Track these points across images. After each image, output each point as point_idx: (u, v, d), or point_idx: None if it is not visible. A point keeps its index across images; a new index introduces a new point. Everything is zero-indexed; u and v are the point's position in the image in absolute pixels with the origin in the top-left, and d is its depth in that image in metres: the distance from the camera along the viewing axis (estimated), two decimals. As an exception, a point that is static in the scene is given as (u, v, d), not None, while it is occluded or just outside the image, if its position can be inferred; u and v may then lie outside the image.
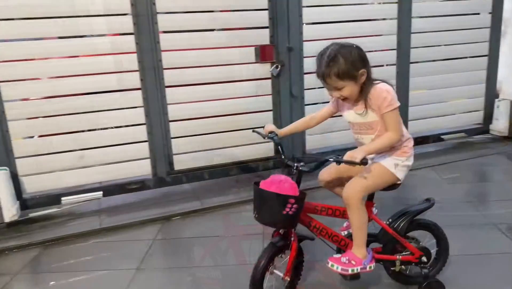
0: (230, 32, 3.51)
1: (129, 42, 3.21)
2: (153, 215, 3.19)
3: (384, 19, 3.99)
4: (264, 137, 2.05)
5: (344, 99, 1.88)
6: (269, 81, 3.66)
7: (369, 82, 1.84)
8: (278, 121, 3.73)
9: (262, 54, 3.56)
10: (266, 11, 3.51)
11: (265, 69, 3.61)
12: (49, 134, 3.26)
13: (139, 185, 3.47)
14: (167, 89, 3.38)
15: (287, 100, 3.73)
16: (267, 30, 3.55)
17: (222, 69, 3.52)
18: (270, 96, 3.70)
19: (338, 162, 1.75)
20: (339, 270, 1.91)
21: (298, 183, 1.85)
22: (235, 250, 2.68)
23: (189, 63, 3.43)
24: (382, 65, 4.09)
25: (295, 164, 1.84)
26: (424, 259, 2.08)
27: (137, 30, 3.20)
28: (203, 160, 3.61)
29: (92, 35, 3.23)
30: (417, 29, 4.03)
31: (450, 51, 4.26)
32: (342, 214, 2.01)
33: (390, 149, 1.94)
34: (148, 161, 3.45)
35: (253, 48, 3.54)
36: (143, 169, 3.46)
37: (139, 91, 3.31)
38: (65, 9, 3.04)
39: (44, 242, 2.92)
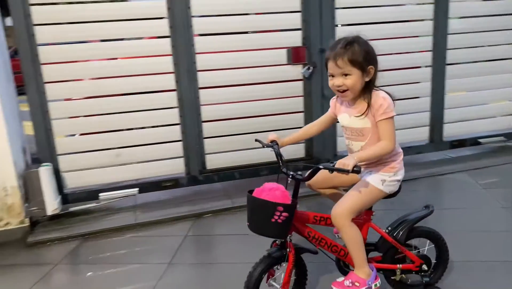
0: (262, 34, 3.57)
1: (165, 45, 3.33)
2: (186, 212, 3.28)
3: (420, 20, 3.92)
4: (263, 146, 2.00)
5: (343, 92, 1.81)
6: (301, 82, 3.69)
7: (373, 84, 1.83)
8: (308, 122, 3.74)
9: (294, 55, 3.59)
10: (299, 13, 3.55)
11: (297, 71, 3.64)
12: (89, 133, 3.42)
13: (173, 182, 3.58)
14: (200, 90, 3.48)
15: (318, 102, 3.74)
16: (300, 32, 3.58)
17: (254, 71, 3.58)
18: (302, 98, 3.73)
19: (331, 170, 1.69)
20: None
21: (296, 191, 1.83)
22: (264, 249, 2.72)
23: (222, 65, 3.51)
24: (418, 67, 4.03)
25: (290, 173, 1.80)
26: (424, 267, 2.06)
27: (173, 33, 3.31)
28: (234, 160, 3.68)
29: (131, 38, 3.37)
30: (454, 30, 3.94)
31: (489, 52, 4.14)
32: None
33: (377, 164, 1.89)
34: (182, 159, 3.56)
35: (285, 50, 3.58)
36: (177, 167, 3.57)
37: (174, 93, 3.42)
38: (108, 12, 3.19)
39: (83, 235, 3.08)
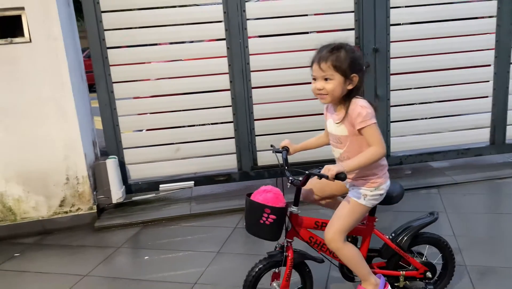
0: (314, 35, 3.63)
1: (221, 47, 3.51)
2: (236, 205, 3.44)
3: (481, 17, 3.77)
4: (273, 152, 2.04)
5: (322, 95, 1.81)
6: (354, 81, 3.71)
7: (355, 92, 1.81)
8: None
9: (347, 55, 3.62)
10: (352, 13, 3.57)
11: (349, 70, 3.66)
12: (151, 129, 3.71)
13: (226, 177, 3.77)
14: (253, 90, 3.62)
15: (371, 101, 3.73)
16: (353, 32, 3.61)
17: (306, 71, 3.64)
18: (355, 96, 3.74)
19: (319, 176, 1.70)
20: None
21: (297, 197, 1.88)
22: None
23: (274, 66, 3.63)
24: (480, 66, 3.87)
25: (290, 177, 1.81)
26: (428, 274, 2.02)
27: (229, 35, 3.49)
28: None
29: (192, 41, 3.60)
30: (520, 26, 3.75)
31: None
32: None
33: (358, 179, 1.86)
34: (235, 156, 3.73)
35: (339, 50, 3.62)
36: (230, 163, 3.75)
37: (228, 92, 3.60)
38: (174, 17, 3.43)
39: (143, 222, 3.35)
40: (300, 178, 1.81)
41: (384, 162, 1.89)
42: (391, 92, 3.75)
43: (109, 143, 3.59)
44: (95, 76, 3.45)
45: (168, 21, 3.44)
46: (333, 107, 1.89)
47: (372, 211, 1.95)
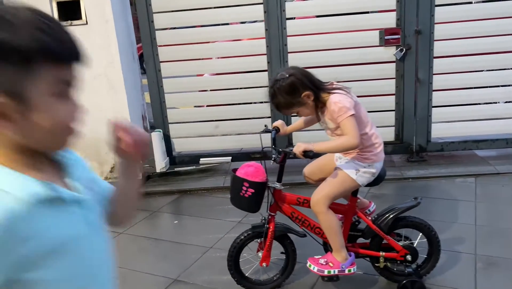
0: (354, 16, 3.60)
1: (260, 28, 3.64)
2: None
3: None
4: (263, 131, 2.18)
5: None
6: (393, 64, 3.64)
7: (319, 99, 1.88)
8: (401, 106, 3.70)
9: (387, 37, 3.55)
10: (394, -6, 3.49)
11: (389, 52, 3.60)
12: (195, 106, 3.98)
13: (261, 155, 3.91)
14: (290, 70, 3.72)
15: (411, 85, 3.65)
16: (394, 13, 3.52)
17: (345, 52, 3.66)
18: (393, 80, 3.68)
19: (286, 153, 1.89)
20: (315, 270, 1.97)
21: (280, 172, 2.03)
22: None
23: (311, 47, 3.68)
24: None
25: (273, 155, 1.96)
26: (409, 257, 2.02)
27: (267, 17, 3.60)
28: (321, 139, 3.84)
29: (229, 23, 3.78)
30: None
31: None
32: None
33: (352, 154, 1.94)
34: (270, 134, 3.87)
35: (377, 31, 3.57)
36: (267, 141, 3.89)
37: (266, 73, 3.73)
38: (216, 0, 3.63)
39: (181, 191, 3.65)
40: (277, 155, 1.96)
41: (379, 140, 1.96)
42: (433, 76, 3.62)
43: (156, 118, 3.93)
44: (144, 56, 3.77)
45: (210, 4, 3.63)
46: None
47: (355, 192, 2.02)
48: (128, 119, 3.61)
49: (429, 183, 3.40)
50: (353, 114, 1.83)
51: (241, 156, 3.95)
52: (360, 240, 2.13)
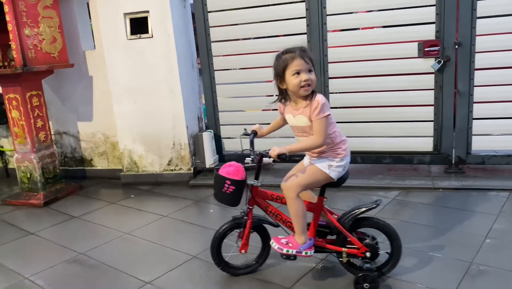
0: (393, 28, 3.72)
1: (302, 40, 3.92)
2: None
3: None
4: (243, 135, 2.34)
5: (307, 87, 2.04)
6: (432, 76, 3.68)
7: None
8: (439, 117, 3.72)
9: (426, 49, 3.62)
10: (433, 7, 3.54)
11: (428, 64, 3.65)
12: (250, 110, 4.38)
13: (301, 158, 4.19)
14: (330, 80, 3.94)
15: (450, 96, 3.66)
16: (433, 25, 3.58)
17: (383, 63, 3.79)
18: (432, 91, 3.72)
19: (262, 155, 2.09)
20: (276, 247, 2.19)
21: (257, 173, 2.26)
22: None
23: (350, 58, 3.87)
24: None
25: (251, 156, 2.16)
26: (368, 254, 2.20)
27: (309, 30, 3.88)
28: (357, 145, 3.99)
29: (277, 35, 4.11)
30: None
31: None
32: None
33: (324, 152, 2.11)
34: (311, 139, 4.13)
35: (416, 43, 3.65)
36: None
37: (307, 81, 4.00)
38: (263, 15, 3.98)
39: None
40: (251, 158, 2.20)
41: (344, 137, 2.21)
42: (475, 88, 3.60)
43: (209, 119, 4.41)
44: (201, 64, 4.28)
45: (258, 19, 4.01)
46: (292, 104, 2.17)
47: (322, 191, 2.23)
48: (183, 121, 4.14)
49: (459, 194, 3.39)
50: (329, 114, 2.07)
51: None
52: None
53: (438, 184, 3.55)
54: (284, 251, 2.19)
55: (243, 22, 4.07)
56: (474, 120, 3.65)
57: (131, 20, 4.05)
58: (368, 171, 4.01)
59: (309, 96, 2.10)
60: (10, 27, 3.63)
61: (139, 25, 4.04)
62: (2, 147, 5.10)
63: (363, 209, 2.21)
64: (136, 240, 3.10)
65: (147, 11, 3.97)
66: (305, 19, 3.88)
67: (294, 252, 2.18)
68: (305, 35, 3.91)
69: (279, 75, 2.12)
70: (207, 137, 4.24)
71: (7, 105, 4.03)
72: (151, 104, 4.20)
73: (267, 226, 2.41)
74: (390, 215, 3.13)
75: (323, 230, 2.31)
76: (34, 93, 4.04)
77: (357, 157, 4.03)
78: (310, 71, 2.08)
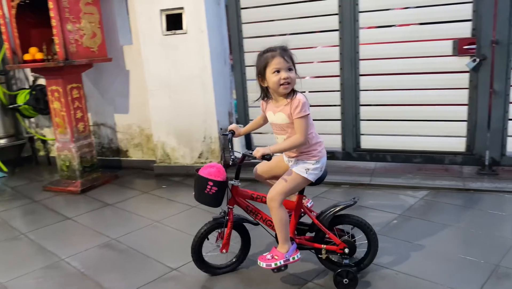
0: (427, 26, 3.66)
1: (334, 37, 3.93)
2: (327, 179, 3.87)
3: None
4: (221, 134, 2.38)
5: (286, 85, 2.07)
6: (466, 75, 3.60)
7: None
8: (473, 117, 3.63)
9: (461, 47, 3.54)
10: (470, 4, 3.46)
11: (462, 62, 3.57)
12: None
13: (330, 155, 4.20)
14: (361, 77, 3.92)
15: (485, 96, 3.57)
16: (469, 23, 3.49)
17: (416, 61, 3.73)
18: (466, 90, 3.63)
19: (245, 155, 2.11)
20: (264, 266, 2.18)
21: (237, 172, 2.29)
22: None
23: (382, 55, 3.83)
24: None
25: (232, 156, 2.20)
26: (346, 250, 2.24)
27: (341, 27, 3.87)
28: (388, 144, 3.97)
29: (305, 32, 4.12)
30: None
31: None
32: None
33: (300, 154, 2.13)
34: (339, 136, 4.12)
35: (451, 41, 3.57)
36: (335, 142, 4.16)
37: (338, 78, 4.00)
38: (294, 12, 4.00)
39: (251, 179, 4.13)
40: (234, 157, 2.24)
41: (320, 139, 2.22)
42: (511, 88, 3.49)
43: (240, 114, 4.49)
44: (234, 60, 4.36)
45: (290, 15, 4.04)
46: (274, 101, 2.19)
47: (302, 190, 2.25)
48: (214, 115, 4.24)
49: (490, 196, 3.31)
50: (309, 114, 2.10)
51: (311, 154, 4.28)
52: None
53: (469, 185, 3.48)
54: (273, 266, 2.19)
55: (275, 19, 4.11)
56: (510, 121, 3.55)
57: (167, 16, 4.18)
58: (397, 170, 3.97)
59: (290, 95, 2.13)
60: (53, 22, 3.84)
61: (174, 21, 4.16)
62: (44, 136, 5.39)
63: (341, 206, 2.25)
64: (165, 228, 3.22)
65: (182, 8, 4.08)
66: (337, 16, 3.87)
67: (282, 263, 2.19)
68: (337, 32, 3.90)
69: (261, 73, 2.15)
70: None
71: (50, 96, 4.26)
72: (184, 98, 4.32)
73: (246, 224, 2.45)
74: (417, 214, 3.11)
75: (302, 228, 2.34)
76: (75, 86, 4.25)
77: (387, 155, 3.99)
78: (290, 69, 2.11)
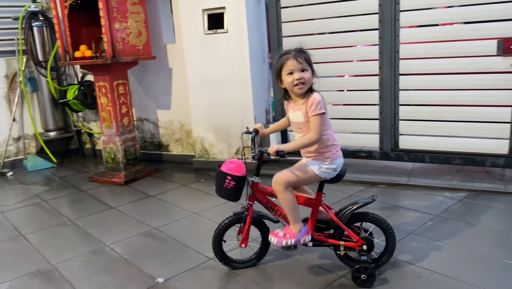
0: (471, 25, 3.58)
1: (374, 36, 3.91)
2: (364, 178, 3.89)
3: None
4: (244, 133, 2.46)
5: (301, 85, 2.15)
6: (510, 75, 3.50)
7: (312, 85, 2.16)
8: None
9: (506, 47, 3.45)
10: (516, 2, 3.37)
11: (507, 63, 3.48)
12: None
13: (367, 154, 4.20)
14: (401, 76, 3.89)
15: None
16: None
17: (458, 61, 3.66)
18: (510, 91, 3.53)
19: (262, 152, 2.18)
20: (275, 242, 2.24)
21: (257, 169, 2.39)
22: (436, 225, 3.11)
23: (423, 54, 3.78)
24: None
25: (252, 154, 2.25)
26: (364, 247, 2.28)
27: (381, 26, 3.85)
28: (427, 144, 3.92)
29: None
30: None
31: None
32: None
33: (316, 155, 2.17)
34: (377, 136, 4.10)
35: (495, 41, 3.49)
36: (372, 142, 4.15)
37: (376, 77, 3.98)
38: (334, 11, 4.02)
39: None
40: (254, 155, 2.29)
41: (337, 142, 2.26)
42: (560, 88, 3.37)
43: (277, 112, 4.56)
44: (272, 58, 4.42)
45: (330, 14, 4.06)
46: (294, 101, 2.28)
47: (320, 187, 2.29)
48: (252, 112, 4.33)
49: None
50: (325, 112, 2.16)
51: (347, 154, 4.27)
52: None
53: (511, 188, 3.39)
54: (284, 243, 2.26)
55: (315, 18, 4.14)
56: (557, 123, 3.43)
57: (209, 15, 4.31)
58: (436, 171, 3.92)
59: (306, 94, 2.20)
60: (102, 22, 4.05)
61: (215, 21, 4.28)
62: (91, 129, 5.67)
63: (360, 204, 2.28)
64: (203, 220, 3.34)
65: (224, 7, 4.20)
66: (377, 15, 3.86)
67: (292, 242, 2.25)
68: (377, 31, 3.89)
69: (278, 75, 2.26)
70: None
71: (97, 92, 4.50)
72: (223, 95, 4.44)
73: (266, 221, 2.49)
74: (454, 216, 3.07)
75: (321, 225, 2.38)
76: (120, 82, 4.46)
77: (425, 156, 3.94)
78: (303, 70, 2.18)
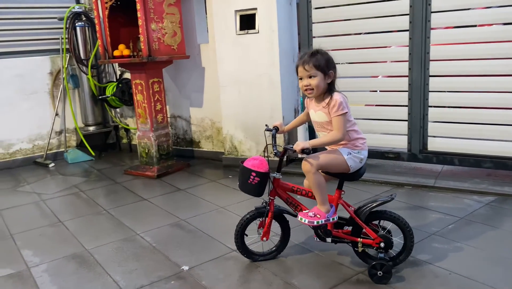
0: (500, 26, 3.52)
1: (404, 37, 3.91)
2: (390, 179, 3.89)
3: None
4: (265, 130, 2.53)
5: (309, 90, 2.25)
6: (548, 78, 3.42)
7: (333, 86, 2.18)
8: None
9: (541, 49, 3.37)
10: (554, 3, 3.29)
11: (542, 65, 3.40)
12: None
13: (395, 155, 4.19)
14: (431, 78, 3.87)
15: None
16: (553, 23, 3.32)
17: (494, 62, 3.59)
18: (548, 95, 3.45)
19: (290, 150, 2.21)
20: (306, 222, 2.28)
21: (279, 165, 2.45)
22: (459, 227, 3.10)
23: (454, 56, 3.75)
24: None
25: (275, 150, 2.33)
26: (382, 245, 2.32)
27: (412, 27, 3.84)
28: (456, 146, 3.87)
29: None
30: None
31: None
32: (313, 195, 2.35)
33: (346, 143, 2.32)
34: (406, 137, 4.09)
35: (529, 42, 3.42)
36: (400, 143, 4.14)
37: (406, 78, 3.97)
38: (364, 12, 4.05)
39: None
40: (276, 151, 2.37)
41: (363, 136, 2.35)
42: None
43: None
44: (302, 59, 4.49)
45: (360, 15, 4.08)
46: (316, 100, 2.35)
47: (340, 185, 2.34)
48: (280, 111, 4.41)
49: None
50: (347, 112, 2.24)
51: (375, 154, 4.29)
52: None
53: (543, 193, 3.32)
54: (315, 223, 2.30)
55: (344, 19, 4.17)
56: None
57: (241, 16, 4.43)
58: (465, 174, 3.86)
59: (327, 95, 2.28)
60: (140, 22, 4.25)
61: (247, 21, 4.40)
62: (127, 125, 5.93)
63: (379, 202, 2.32)
64: (229, 214, 3.46)
65: (256, 8, 4.30)
66: (408, 16, 3.85)
67: (323, 222, 2.30)
68: (407, 32, 3.88)
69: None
70: (301, 129, 4.46)
71: (134, 89, 4.71)
72: (252, 94, 4.54)
73: (287, 215, 2.58)
74: (480, 219, 3.04)
75: (340, 222, 2.43)
76: (156, 80, 4.65)
77: (454, 158, 3.90)
78: (310, 77, 2.24)
